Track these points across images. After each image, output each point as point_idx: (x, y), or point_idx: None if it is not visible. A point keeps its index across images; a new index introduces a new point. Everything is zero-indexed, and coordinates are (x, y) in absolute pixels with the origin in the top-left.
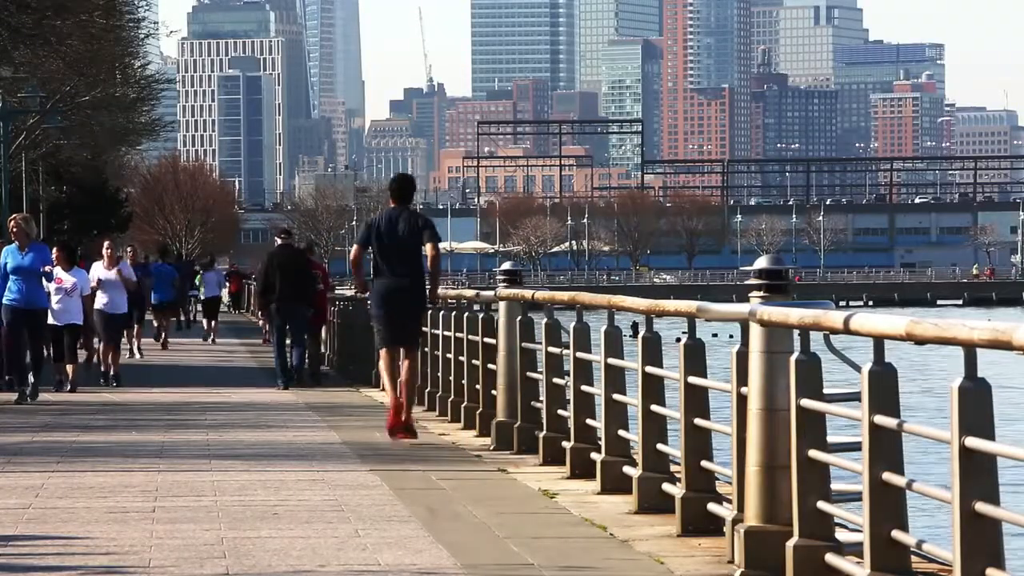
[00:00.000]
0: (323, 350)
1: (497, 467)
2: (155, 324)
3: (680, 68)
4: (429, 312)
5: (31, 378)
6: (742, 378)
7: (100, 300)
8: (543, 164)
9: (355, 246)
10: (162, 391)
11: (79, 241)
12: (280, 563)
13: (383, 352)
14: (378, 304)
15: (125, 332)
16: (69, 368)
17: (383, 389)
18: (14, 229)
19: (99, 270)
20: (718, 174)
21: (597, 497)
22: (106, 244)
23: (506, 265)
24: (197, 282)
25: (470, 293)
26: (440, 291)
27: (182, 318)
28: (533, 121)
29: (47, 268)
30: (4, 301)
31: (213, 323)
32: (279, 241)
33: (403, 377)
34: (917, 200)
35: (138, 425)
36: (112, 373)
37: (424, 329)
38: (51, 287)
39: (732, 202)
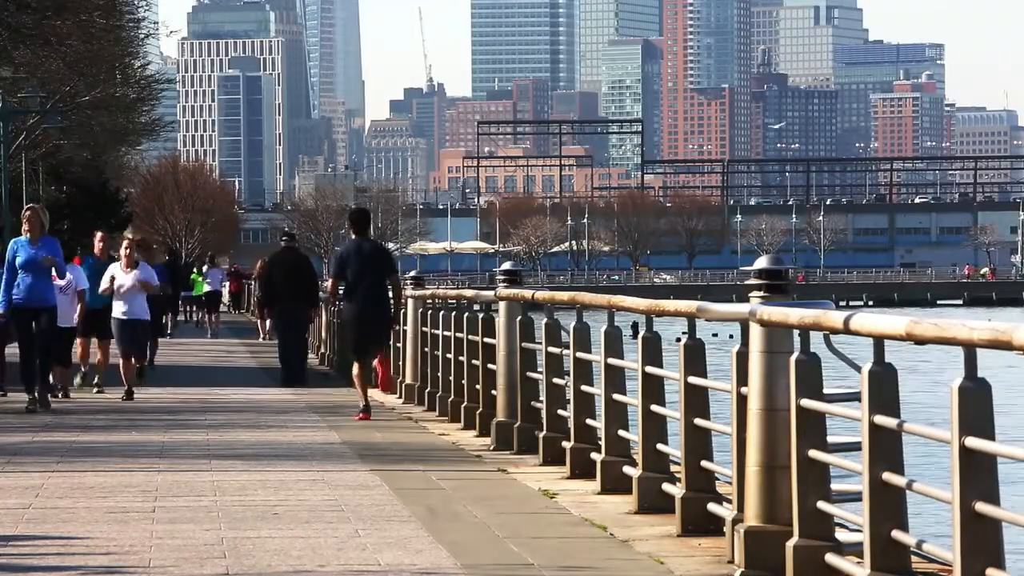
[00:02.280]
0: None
1: (497, 467)
2: None
3: (680, 68)
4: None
5: (39, 385)
6: (742, 378)
7: (117, 307)
8: (543, 164)
9: (331, 279)
10: (162, 391)
11: (80, 241)
12: (280, 563)
13: (357, 361)
14: (352, 320)
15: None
16: (61, 373)
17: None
18: (30, 218)
19: (115, 271)
20: (718, 174)
21: (597, 497)
22: (124, 243)
23: (506, 265)
24: (194, 278)
25: (470, 293)
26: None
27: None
28: (533, 121)
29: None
30: (13, 299)
31: (213, 316)
32: (283, 244)
33: (381, 372)
34: (917, 200)
35: (138, 425)
36: (126, 388)
37: (424, 330)
38: (60, 283)
39: (732, 202)
